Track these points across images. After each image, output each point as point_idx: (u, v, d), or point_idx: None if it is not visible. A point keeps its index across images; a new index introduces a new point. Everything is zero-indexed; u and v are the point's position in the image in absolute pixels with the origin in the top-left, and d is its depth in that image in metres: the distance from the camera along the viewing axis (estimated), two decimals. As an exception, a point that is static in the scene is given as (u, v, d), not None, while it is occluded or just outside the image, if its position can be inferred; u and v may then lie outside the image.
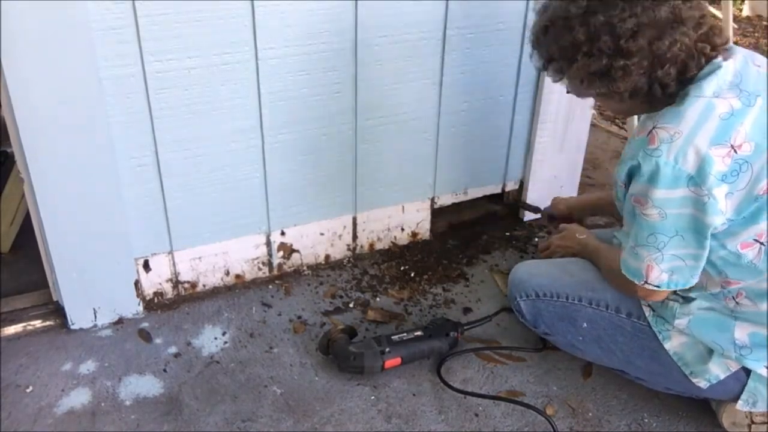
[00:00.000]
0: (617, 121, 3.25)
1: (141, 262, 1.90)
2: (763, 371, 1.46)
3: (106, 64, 1.61)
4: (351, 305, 2.01)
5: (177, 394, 1.69)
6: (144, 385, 1.71)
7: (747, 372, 1.48)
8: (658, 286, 1.44)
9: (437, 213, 2.30)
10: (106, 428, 1.59)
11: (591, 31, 1.32)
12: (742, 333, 1.45)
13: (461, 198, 2.32)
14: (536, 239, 2.30)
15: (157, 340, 1.85)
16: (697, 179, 1.31)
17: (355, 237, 2.19)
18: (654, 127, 1.35)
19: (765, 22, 5.01)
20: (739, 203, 1.34)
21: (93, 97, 1.61)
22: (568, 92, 1.49)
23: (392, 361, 1.72)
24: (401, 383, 1.74)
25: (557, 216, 2.04)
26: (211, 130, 1.81)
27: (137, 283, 1.90)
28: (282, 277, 2.11)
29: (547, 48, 1.41)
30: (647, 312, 1.56)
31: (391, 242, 2.26)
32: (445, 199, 2.29)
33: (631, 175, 1.40)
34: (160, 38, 1.64)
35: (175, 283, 1.98)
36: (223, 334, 1.88)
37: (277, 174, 1.95)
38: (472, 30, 2.02)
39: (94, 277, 1.81)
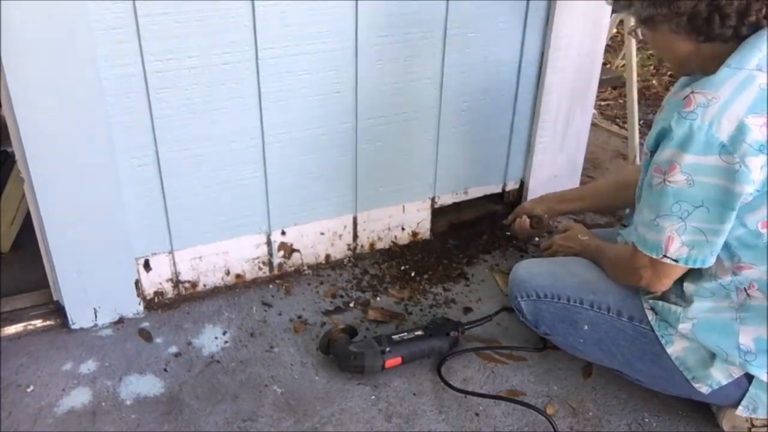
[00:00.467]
0: (617, 120, 3.25)
1: (141, 261, 1.90)
2: (765, 378, 1.44)
3: (107, 64, 1.61)
4: (351, 305, 2.01)
5: (177, 394, 1.69)
6: (144, 385, 1.71)
7: (749, 378, 1.47)
8: (676, 260, 1.40)
9: (438, 213, 2.30)
10: (107, 428, 1.59)
11: None
12: (747, 338, 1.43)
13: (462, 198, 2.32)
14: (537, 239, 2.30)
15: (158, 340, 1.85)
16: (730, 148, 1.28)
17: (355, 236, 2.19)
18: (692, 92, 1.33)
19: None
20: None
21: (93, 96, 1.61)
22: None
23: (393, 361, 1.72)
24: (402, 383, 1.74)
25: (544, 217, 2.08)
26: (212, 129, 1.81)
27: (138, 283, 1.90)
28: (282, 276, 2.11)
29: None
30: (650, 316, 1.55)
31: (392, 242, 2.26)
32: (446, 199, 2.29)
33: (659, 140, 1.37)
34: (161, 38, 1.64)
35: (176, 282, 1.98)
36: (224, 333, 1.88)
37: (277, 173, 1.95)
38: (473, 30, 2.02)
39: (95, 276, 1.81)
